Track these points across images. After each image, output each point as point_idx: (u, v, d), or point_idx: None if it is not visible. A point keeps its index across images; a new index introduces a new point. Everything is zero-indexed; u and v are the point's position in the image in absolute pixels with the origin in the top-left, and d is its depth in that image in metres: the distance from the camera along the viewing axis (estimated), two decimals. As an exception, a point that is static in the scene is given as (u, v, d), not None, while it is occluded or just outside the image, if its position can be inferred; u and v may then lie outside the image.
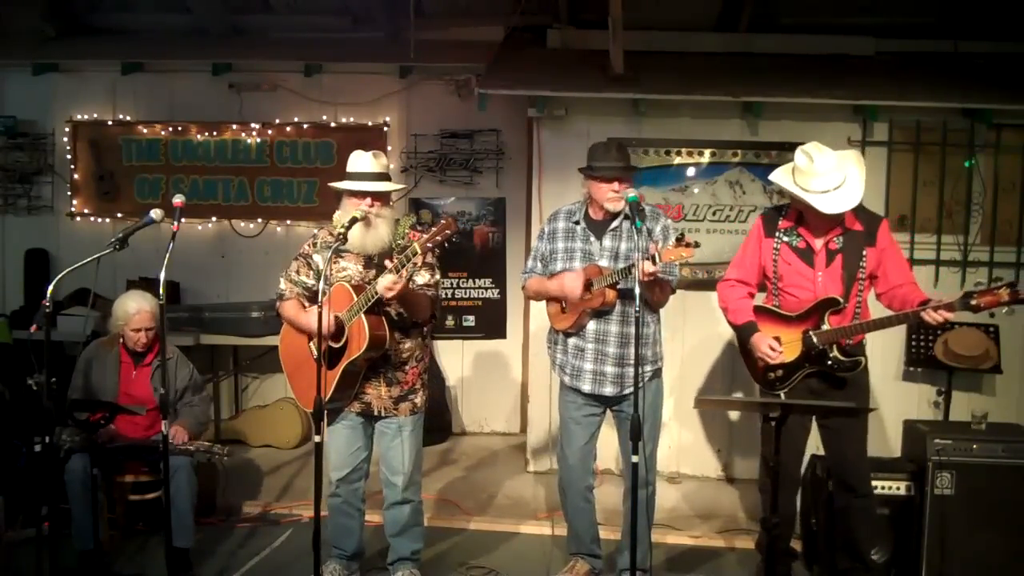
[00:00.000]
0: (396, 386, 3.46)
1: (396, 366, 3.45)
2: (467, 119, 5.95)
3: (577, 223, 3.55)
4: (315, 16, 6.19)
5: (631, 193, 3.16)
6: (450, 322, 6.17)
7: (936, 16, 5.58)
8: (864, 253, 3.37)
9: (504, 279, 6.16)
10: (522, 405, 6.10)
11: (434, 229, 3.05)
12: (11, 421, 4.31)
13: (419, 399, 3.55)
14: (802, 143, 3.43)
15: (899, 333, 4.89)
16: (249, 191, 6.14)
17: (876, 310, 3.44)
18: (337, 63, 5.99)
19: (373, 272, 3.35)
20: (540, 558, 4.07)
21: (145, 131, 6.14)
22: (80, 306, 5.44)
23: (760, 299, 3.61)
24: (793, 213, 3.50)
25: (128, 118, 6.16)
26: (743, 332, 3.51)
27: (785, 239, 3.48)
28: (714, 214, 5.18)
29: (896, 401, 5.00)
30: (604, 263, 3.44)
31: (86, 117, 6.16)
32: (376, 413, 3.48)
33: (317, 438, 3.04)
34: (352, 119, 6.06)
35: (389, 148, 5.99)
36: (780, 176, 3.46)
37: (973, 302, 3.09)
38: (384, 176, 3.42)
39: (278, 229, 6.17)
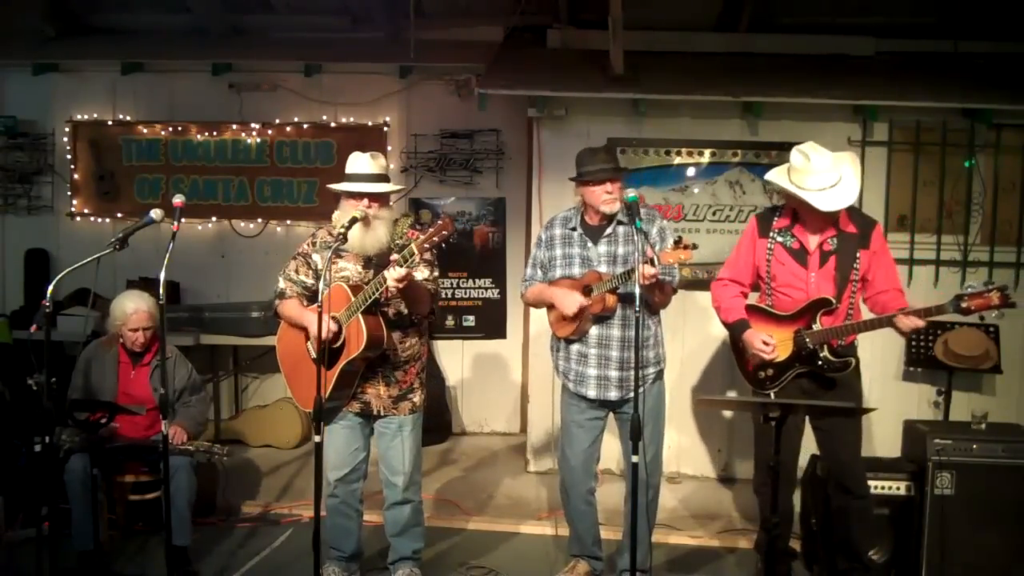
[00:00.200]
0: (395, 385, 3.47)
1: (395, 365, 3.45)
2: (467, 119, 5.95)
3: (574, 229, 3.55)
4: (315, 16, 6.19)
5: (631, 193, 3.16)
6: (450, 322, 6.17)
7: (936, 16, 5.57)
8: (858, 255, 3.38)
9: (504, 279, 6.16)
10: (522, 405, 6.10)
11: (431, 230, 3.06)
12: (11, 421, 4.31)
13: (418, 398, 3.55)
14: (802, 143, 3.44)
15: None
16: (249, 191, 6.14)
17: (867, 312, 3.46)
18: (337, 63, 5.99)
19: (372, 272, 3.35)
20: (540, 558, 4.07)
21: (145, 131, 6.14)
22: (80, 306, 5.44)
23: (753, 299, 3.62)
24: (788, 213, 3.50)
25: (128, 118, 6.16)
26: (735, 330, 3.52)
27: (779, 239, 3.48)
28: (714, 214, 5.18)
29: (896, 401, 5.01)
30: (603, 268, 3.45)
31: (86, 117, 6.16)
32: (375, 413, 3.48)
33: (317, 438, 3.04)
34: (352, 119, 6.06)
35: (389, 148, 5.99)
36: (776, 175, 3.47)
37: (963, 305, 3.11)
38: (382, 177, 3.42)
39: (278, 229, 6.17)
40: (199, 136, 6.12)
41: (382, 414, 3.48)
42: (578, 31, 5.67)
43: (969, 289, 3.14)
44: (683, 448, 5.27)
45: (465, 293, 6.17)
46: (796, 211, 3.46)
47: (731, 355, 3.74)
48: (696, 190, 5.18)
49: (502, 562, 3.99)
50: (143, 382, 4.04)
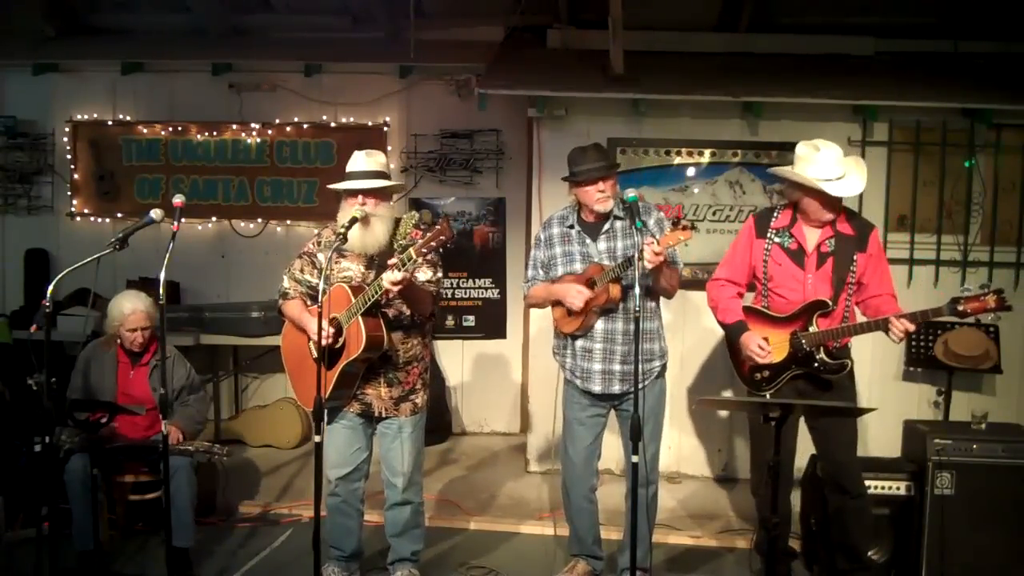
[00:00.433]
0: (397, 386, 3.46)
1: (397, 367, 3.45)
2: (467, 119, 5.95)
3: (571, 227, 3.56)
4: (315, 16, 6.18)
5: (631, 194, 3.17)
6: (450, 322, 6.17)
7: (936, 16, 5.57)
8: (855, 258, 3.38)
9: (504, 279, 6.16)
10: (522, 405, 6.10)
11: (429, 235, 3.05)
12: (11, 421, 4.31)
13: (420, 399, 3.55)
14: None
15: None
16: (249, 191, 6.14)
17: (861, 316, 3.47)
18: (337, 63, 5.99)
19: (374, 272, 3.35)
20: (541, 558, 4.07)
21: (145, 131, 6.14)
22: (80, 306, 5.44)
23: (748, 299, 3.63)
24: (787, 213, 3.51)
25: (128, 118, 6.16)
26: (732, 331, 3.52)
27: (776, 240, 3.49)
28: (714, 214, 5.18)
29: (896, 401, 5.01)
30: (604, 263, 3.46)
31: (86, 117, 6.15)
32: (377, 414, 3.48)
33: (317, 438, 3.04)
34: (352, 119, 6.06)
35: (389, 148, 5.99)
36: (782, 169, 3.48)
37: (960, 307, 3.13)
38: (378, 174, 3.40)
39: (278, 229, 6.17)
40: (199, 136, 6.12)
41: (383, 415, 3.48)
42: (578, 31, 5.66)
43: (966, 292, 3.15)
44: (683, 448, 5.27)
45: (465, 293, 6.17)
46: (796, 209, 3.46)
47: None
48: (696, 190, 5.18)
49: (502, 562, 4.00)
50: (142, 382, 4.04)
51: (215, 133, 6.11)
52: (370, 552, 3.84)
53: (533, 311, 5.35)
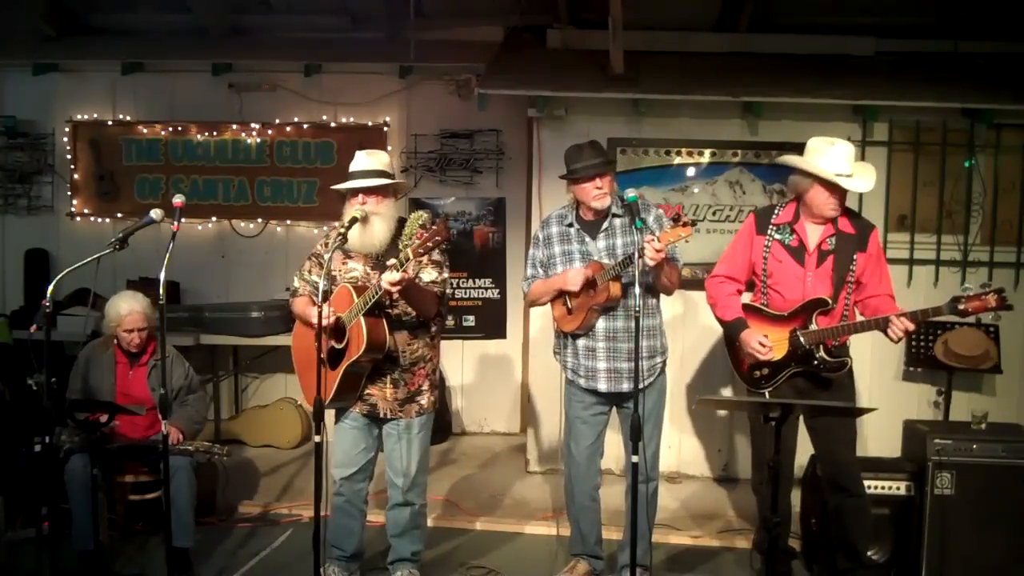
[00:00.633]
0: (403, 387, 3.46)
1: (403, 368, 3.45)
2: (467, 119, 5.95)
3: (570, 226, 3.56)
4: (315, 16, 6.19)
5: (631, 193, 3.17)
6: (450, 322, 6.17)
7: (936, 16, 5.57)
8: (855, 257, 3.39)
9: (504, 279, 6.16)
10: (522, 405, 6.10)
11: (426, 235, 3.05)
12: (11, 421, 4.31)
13: (426, 400, 3.54)
14: (802, 143, 3.46)
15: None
16: (249, 191, 6.14)
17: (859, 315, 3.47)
18: (337, 63, 5.99)
19: (378, 273, 3.35)
20: (541, 558, 4.07)
21: (145, 131, 6.14)
22: (80, 306, 5.44)
23: (746, 298, 3.63)
24: (790, 209, 3.51)
25: (128, 118, 6.16)
26: (732, 328, 3.52)
27: (777, 236, 3.49)
28: (714, 214, 5.18)
29: (896, 401, 5.00)
30: (604, 262, 3.45)
31: (86, 117, 6.16)
32: (382, 415, 3.48)
33: (317, 438, 3.04)
34: (352, 119, 6.06)
35: (389, 148, 5.99)
36: (793, 158, 3.48)
37: (961, 307, 3.13)
38: (379, 173, 3.39)
39: (278, 229, 6.16)
40: (199, 136, 6.12)
41: (388, 417, 3.48)
42: (578, 31, 5.66)
43: (967, 291, 3.15)
44: (683, 448, 5.27)
45: (465, 293, 6.17)
46: (799, 205, 3.46)
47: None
48: (696, 190, 5.18)
49: (502, 562, 3.99)
50: (141, 382, 4.04)
51: (215, 133, 6.11)
52: (372, 552, 3.85)
53: (533, 310, 5.34)
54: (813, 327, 3.36)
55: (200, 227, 6.17)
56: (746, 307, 3.55)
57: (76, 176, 6.18)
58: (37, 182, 6.21)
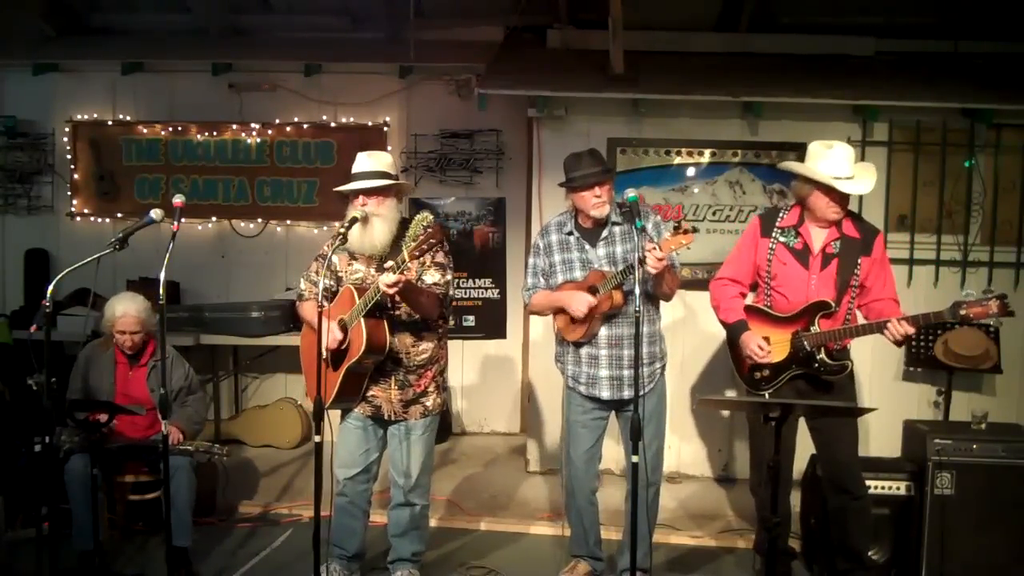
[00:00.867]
0: (408, 389, 3.46)
1: (409, 369, 3.45)
2: (467, 119, 5.95)
3: (570, 234, 3.55)
4: (315, 16, 6.19)
5: (631, 194, 3.17)
6: (450, 322, 6.16)
7: (936, 16, 5.57)
8: (859, 261, 3.39)
9: (504, 279, 6.16)
10: (522, 405, 6.10)
11: (421, 238, 3.05)
12: (11, 421, 4.31)
13: (431, 402, 3.53)
14: (802, 143, 3.47)
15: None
16: (249, 191, 6.14)
17: (862, 318, 3.47)
18: (337, 63, 5.98)
19: (379, 274, 3.35)
20: (541, 558, 4.07)
21: (145, 131, 6.14)
22: (80, 306, 5.43)
23: (750, 299, 3.63)
24: (795, 212, 3.51)
25: (128, 118, 6.16)
26: (733, 331, 3.53)
27: (782, 239, 3.49)
28: (714, 214, 5.17)
29: (896, 401, 5.00)
30: (605, 270, 3.45)
31: (86, 117, 6.15)
32: (386, 417, 3.48)
33: (317, 438, 3.04)
34: (352, 119, 6.06)
35: (389, 148, 5.98)
36: (793, 164, 3.48)
37: (963, 312, 3.14)
38: (379, 174, 3.39)
39: (278, 229, 6.16)
40: (199, 136, 6.12)
41: (392, 419, 3.48)
42: (578, 31, 5.66)
43: (968, 297, 3.16)
44: (683, 448, 5.27)
45: (465, 293, 6.17)
46: (804, 208, 3.46)
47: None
48: (696, 190, 5.18)
49: (502, 562, 4.00)
50: (140, 383, 4.04)
51: (215, 133, 6.11)
52: (374, 551, 3.85)
53: (534, 313, 5.35)
54: (815, 329, 3.36)
55: (200, 227, 6.16)
56: (749, 308, 3.55)
57: (76, 176, 6.18)
58: (37, 182, 6.20)
